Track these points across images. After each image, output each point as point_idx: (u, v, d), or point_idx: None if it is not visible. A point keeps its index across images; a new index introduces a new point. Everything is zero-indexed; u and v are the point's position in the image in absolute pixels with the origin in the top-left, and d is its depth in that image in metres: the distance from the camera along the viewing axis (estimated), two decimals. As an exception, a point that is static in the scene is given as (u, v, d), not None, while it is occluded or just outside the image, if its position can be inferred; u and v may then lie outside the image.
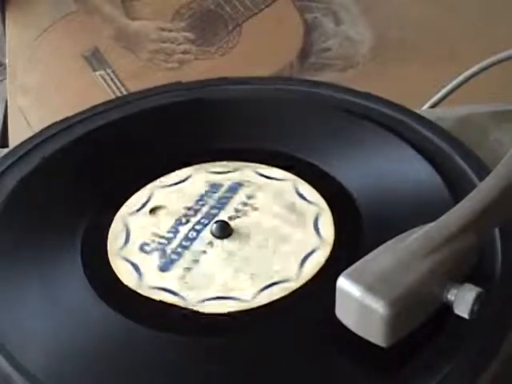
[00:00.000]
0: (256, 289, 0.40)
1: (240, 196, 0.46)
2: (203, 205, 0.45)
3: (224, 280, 0.41)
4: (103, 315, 0.39)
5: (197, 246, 0.43)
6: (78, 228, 0.44)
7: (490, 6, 0.88)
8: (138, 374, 0.37)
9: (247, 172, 0.47)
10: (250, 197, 0.45)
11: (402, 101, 0.51)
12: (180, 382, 0.37)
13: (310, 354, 0.37)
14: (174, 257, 0.43)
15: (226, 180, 0.47)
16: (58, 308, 0.40)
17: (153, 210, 0.46)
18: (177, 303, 0.40)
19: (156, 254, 0.43)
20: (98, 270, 0.42)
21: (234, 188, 0.46)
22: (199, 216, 0.45)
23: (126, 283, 0.42)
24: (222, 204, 0.45)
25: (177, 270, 0.42)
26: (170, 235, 0.44)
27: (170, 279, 0.42)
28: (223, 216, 0.44)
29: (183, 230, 0.44)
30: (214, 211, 0.45)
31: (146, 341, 0.38)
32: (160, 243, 0.44)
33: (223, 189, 0.46)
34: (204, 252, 0.43)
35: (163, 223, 0.45)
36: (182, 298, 0.41)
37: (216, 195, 0.46)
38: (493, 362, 0.36)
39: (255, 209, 0.45)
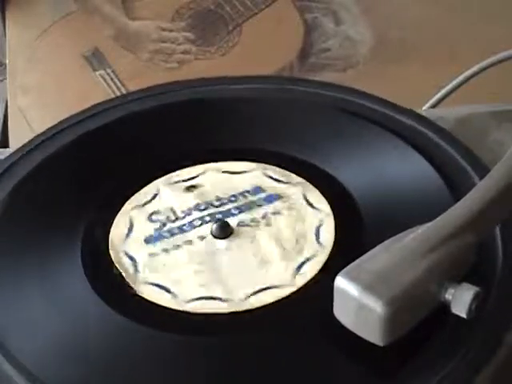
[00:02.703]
0: (194, 296, 0.40)
1: (268, 208, 0.45)
2: (232, 201, 0.45)
3: (180, 275, 0.41)
4: (103, 315, 0.39)
5: (191, 234, 0.43)
6: (78, 228, 0.44)
7: (490, 6, 0.88)
8: (138, 373, 0.37)
9: (295, 190, 0.46)
10: (275, 213, 0.45)
11: (402, 101, 0.50)
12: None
13: (309, 354, 0.37)
14: (165, 234, 0.44)
15: (271, 188, 0.46)
16: (58, 308, 0.40)
17: (190, 188, 0.46)
18: (127, 276, 0.41)
19: (155, 225, 0.44)
20: (98, 269, 0.42)
21: (271, 199, 0.46)
22: (218, 210, 0.45)
23: (110, 238, 0.43)
24: (247, 208, 0.45)
25: (156, 246, 0.43)
26: (181, 215, 0.45)
27: (144, 252, 0.43)
28: (236, 219, 0.44)
29: (194, 215, 0.45)
30: (235, 212, 0.45)
31: (146, 340, 0.38)
32: (167, 217, 0.44)
33: (261, 195, 0.46)
34: (190, 242, 0.43)
35: (186, 202, 0.45)
36: (137, 272, 0.42)
37: (250, 198, 0.46)
38: (492, 362, 0.36)
39: (268, 225, 0.44)
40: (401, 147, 0.47)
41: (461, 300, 0.35)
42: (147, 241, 0.44)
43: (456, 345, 0.36)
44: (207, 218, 0.44)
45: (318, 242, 0.43)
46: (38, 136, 0.50)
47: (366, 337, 0.35)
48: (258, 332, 0.39)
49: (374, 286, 0.34)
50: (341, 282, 0.35)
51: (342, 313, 0.35)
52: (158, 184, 0.47)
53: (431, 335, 0.37)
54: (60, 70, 0.89)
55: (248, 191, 0.46)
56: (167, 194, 0.46)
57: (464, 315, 0.35)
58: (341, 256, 0.41)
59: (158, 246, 0.43)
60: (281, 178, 0.47)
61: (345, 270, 0.35)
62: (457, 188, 0.43)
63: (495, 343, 0.36)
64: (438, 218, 0.37)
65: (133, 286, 0.41)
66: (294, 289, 0.40)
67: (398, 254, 0.36)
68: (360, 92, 0.52)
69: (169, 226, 0.44)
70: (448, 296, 0.35)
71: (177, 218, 0.45)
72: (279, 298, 0.40)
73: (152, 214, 0.45)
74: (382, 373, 0.36)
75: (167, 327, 0.39)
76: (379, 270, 0.35)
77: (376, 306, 0.34)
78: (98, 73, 0.87)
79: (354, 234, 0.43)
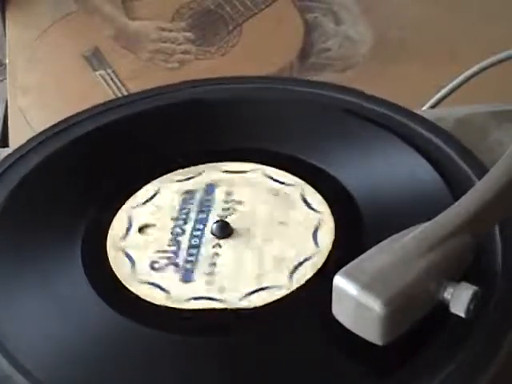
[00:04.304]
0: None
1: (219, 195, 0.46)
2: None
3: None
4: (103, 315, 0.39)
5: (205, 250, 0.43)
6: (78, 227, 0.44)
7: (490, 6, 0.88)
8: (138, 373, 0.37)
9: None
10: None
11: (401, 101, 0.50)
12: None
13: (309, 354, 0.37)
14: (189, 266, 0.42)
15: (197, 184, 0.47)
16: (58, 308, 0.40)
17: (141, 229, 0.45)
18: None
19: (170, 269, 0.42)
20: (98, 269, 0.42)
21: (211, 189, 0.46)
22: (191, 224, 0.45)
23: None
24: (206, 207, 0.45)
25: (200, 277, 0.42)
26: (174, 248, 0.43)
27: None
28: (214, 216, 0.44)
29: (183, 239, 0.44)
30: (202, 215, 0.45)
31: (145, 340, 0.38)
32: (168, 258, 0.43)
33: (199, 194, 0.46)
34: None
35: (159, 239, 0.44)
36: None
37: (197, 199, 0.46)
38: (493, 362, 0.36)
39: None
40: (400, 147, 0.47)
41: (459, 299, 0.35)
42: (187, 280, 0.42)
43: (456, 345, 0.36)
44: (196, 233, 0.44)
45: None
46: (37, 135, 0.50)
47: (364, 336, 0.35)
48: (257, 332, 0.39)
49: (372, 285, 0.34)
50: (339, 281, 0.35)
51: (341, 312, 0.35)
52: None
53: (432, 335, 0.37)
54: (60, 70, 0.89)
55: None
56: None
57: (462, 314, 0.35)
58: (340, 256, 0.41)
59: (201, 276, 0.42)
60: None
61: (343, 269, 0.35)
62: (456, 188, 0.43)
63: (496, 344, 0.36)
64: (436, 218, 0.37)
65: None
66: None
67: (396, 253, 0.36)
68: (360, 92, 0.52)
69: (180, 260, 0.43)
70: (447, 295, 0.35)
71: (175, 252, 0.44)
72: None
73: (152, 265, 0.44)
74: (382, 373, 0.36)
75: (168, 327, 0.39)
76: (378, 270, 0.35)
77: (374, 306, 0.34)
78: (98, 73, 0.87)
79: (354, 233, 0.43)
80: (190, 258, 0.42)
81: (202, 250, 0.43)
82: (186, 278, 0.42)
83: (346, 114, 0.50)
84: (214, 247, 0.43)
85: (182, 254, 0.43)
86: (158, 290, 0.41)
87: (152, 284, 0.41)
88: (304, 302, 0.40)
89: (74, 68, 0.88)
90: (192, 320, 0.39)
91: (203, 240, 0.43)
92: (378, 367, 0.36)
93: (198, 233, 0.44)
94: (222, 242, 0.43)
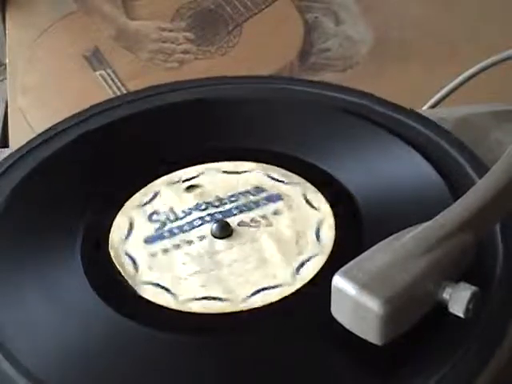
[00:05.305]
0: (194, 296, 0.40)
1: (268, 208, 0.45)
2: (232, 201, 0.46)
3: (180, 275, 0.42)
4: (103, 315, 0.39)
5: (191, 234, 0.44)
6: (78, 228, 0.44)
7: (490, 6, 0.88)
8: (138, 373, 0.37)
9: (295, 190, 0.46)
10: (275, 213, 0.45)
11: (402, 101, 0.51)
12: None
13: (308, 354, 0.37)
14: (165, 234, 0.44)
15: (272, 188, 0.46)
16: (57, 308, 0.40)
17: (190, 188, 0.47)
18: (127, 276, 0.42)
19: (156, 225, 0.44)
20: (98, 269, 0.42)
21: (272, 199, 0.46)
22: (218, 210, 0.45)
23: (110, 238, 0.44)
24: (247, 208, 0.45)
25: (156, 247, 0.43)
26: (181, 214, 0.45)
27: (144, 252, 0.43)
28: (236, 218, 0.44)
29: (194, 215, 0.45)
30: (235, 211, 0.45)
31: (145, 340, 0.38)
32: (167, 218, 0.45)
33: (262, 195, 0.46)
34: (190, 242, 0.43)
35: (186, 202, 0.46)
36: (137, 272, 0.42)
37: (251, 198, 0.46)
38: (492, 362, 0.36)
39: (268, 225, 0.44)
40: (400, 147, 0.47)
41: (458, 299, 0.35)
42: (147, 241, 0.44)
43: (455, 345, 0.36)
44: (207, 218, 0.45)
45: (319, 241, 0.43)
46: (38, 136, 0.50)
47: (363, 336, 0.35)
48: (258, 332, 0.39)
49: (371, 285, 0.34)
50: (338, 281, 0.35)
51: (340, 312, 0.35)
52: (158, 184, 0.47)
53: (430, 335, 0.37)
54: (60, 70, 0.89)
55: (248, 191, 0.46)
56: (167, 193, 0.46)
57: (461, 314, 0.35)
58: (341, 256, 0.41)
59: (157, 246, 0.43)
60: (281, 178, 0.47)
61: (342, 269, 0.35)
62: (457, 188, 0.43)
63: (495, 343, 0.36)
64: (435, 218, 0.37)
65: (133, 285, 0.41)
66: (293, 289, 0.40)
67: (395, 253, 0.36)
68: (360, 92, 0.52)
69: (169, 226, 0.44)
70: (446, 295, 0.35)
71: (177, 218, 0.45)
72: (279, 298, 0.40)
73: (152, 213, 0.45)
74: (382, 373, 0.36)
75: (167, 327, 0.39)
76: (377, 269, 0.35)
77: (373, 306, 0.34)
78: (98, 73, 0.87)
79: (354, 233, 0.43)
80: (175, 230, 0.44)
81: (192, 232, 0.44)
82: (150, 239, 0.44)
83: (347, 114, 0.50)
84: (198, 237, 0.43)
85: (178, 223, 0.44)
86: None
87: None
88: (303, 302, 0.40)
89: (74, 68, 0.88)
90: (191, 320, 0.39)
91: (202, 227, 0.44)
92: (376, 367, 0.36)
93: (209, 219, 0.44)
94: (209, 238, 0.43)
